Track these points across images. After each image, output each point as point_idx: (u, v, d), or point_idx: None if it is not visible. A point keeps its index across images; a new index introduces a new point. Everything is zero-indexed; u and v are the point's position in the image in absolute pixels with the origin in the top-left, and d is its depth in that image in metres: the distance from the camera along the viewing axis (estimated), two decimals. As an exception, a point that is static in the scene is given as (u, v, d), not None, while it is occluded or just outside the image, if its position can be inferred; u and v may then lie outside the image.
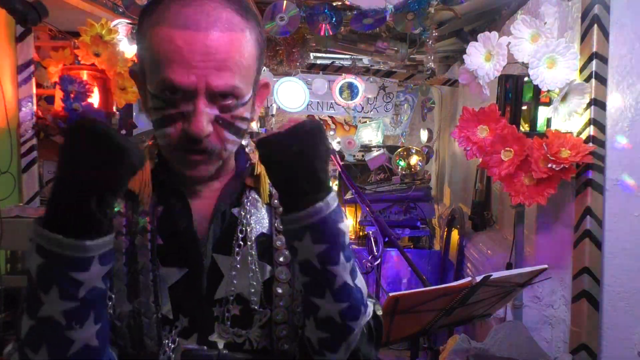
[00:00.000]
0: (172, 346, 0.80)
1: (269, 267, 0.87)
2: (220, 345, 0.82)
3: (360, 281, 0.81)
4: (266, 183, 0.92)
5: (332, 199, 0.76)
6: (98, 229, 0.67)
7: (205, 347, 0.81)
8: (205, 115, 0.76)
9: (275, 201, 0.91)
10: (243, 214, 0.88)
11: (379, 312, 0.88)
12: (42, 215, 0.67)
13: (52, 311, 0.68)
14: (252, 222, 0.88)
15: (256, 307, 0.84)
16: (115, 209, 0.82)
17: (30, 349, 0.70)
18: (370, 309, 0.85)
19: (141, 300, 0.80)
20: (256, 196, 0.91)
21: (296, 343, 0.85)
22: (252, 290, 0.84)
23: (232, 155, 0.88)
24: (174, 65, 0.74)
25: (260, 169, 0.91)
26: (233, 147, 0.83)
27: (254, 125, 4.95)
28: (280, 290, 0.85)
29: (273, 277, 0.86)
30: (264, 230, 0.89)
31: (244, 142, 0.93)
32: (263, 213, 0.91)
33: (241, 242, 0.86)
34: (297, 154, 0.73)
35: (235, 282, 0.84)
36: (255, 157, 0.92)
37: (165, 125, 0.78)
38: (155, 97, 0.78)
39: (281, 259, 0.87)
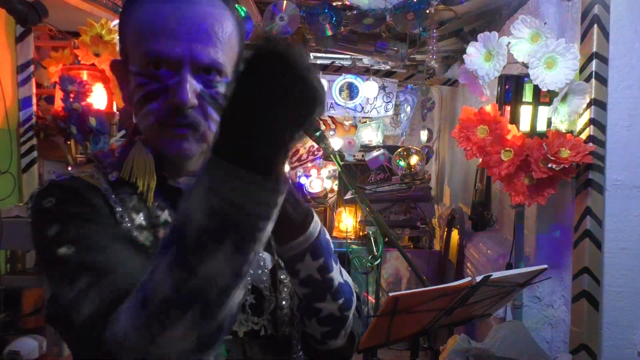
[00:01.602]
0: None
1: (270, 256, 0.89)
2: (240, 334, 0.83)
3: (344, 273, 0.87)
4: None
5: (315, 216, 0.79)
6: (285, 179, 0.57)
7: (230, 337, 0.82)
8: (191, 86, 0.75)
9: None
10: None
11: (356, 290, 0.93)
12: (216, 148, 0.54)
13: (222, 267, 0.56)
14: None
15: (267, 294, 0.86)
16: (133, 203, 0.79)
17: (177, 308, 0.57)
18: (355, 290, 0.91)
19: None
20: None
21: (297, 328, 0.88)
22: (264, 278, 0.87)
23: None
24: (159, 36, 0.75)
25: None
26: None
27: None
28: (283, 277, 0.88)
29: (276, 265, 0.88)
30: None
31: None
32: None
33: None
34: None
35: (251, 271, 0.85)
36: None
37: (149, 100, 0.77)
38: (139, 75, 0.77)
39: None
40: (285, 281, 0.88)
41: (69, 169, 2.57)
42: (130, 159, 0.82)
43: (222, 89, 0.80)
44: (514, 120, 2.04)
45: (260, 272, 0.87)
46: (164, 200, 0.82)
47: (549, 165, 1.82)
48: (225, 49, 0.79)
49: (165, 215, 0.81)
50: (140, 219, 0.79)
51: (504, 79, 2.07)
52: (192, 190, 0.56)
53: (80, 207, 0.75)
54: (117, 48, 0.78)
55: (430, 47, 2.97)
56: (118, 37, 0.82)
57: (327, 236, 0.83)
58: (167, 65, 0.76)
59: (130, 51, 0.79)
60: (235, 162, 0.53)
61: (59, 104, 2.65)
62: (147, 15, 0.77)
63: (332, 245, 0.83)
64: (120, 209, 0.77)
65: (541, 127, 2.04)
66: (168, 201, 0.83)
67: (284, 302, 0.88)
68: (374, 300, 3.75)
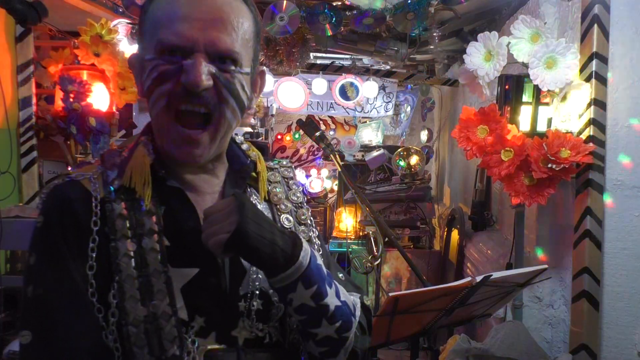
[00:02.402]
0: (195, 347, 0.79)
1: None
2: (240, 341, 0.81)
3: (343, 294, 0.85)
4: (265, 181, 0.94)
5: (304, 243, 0.79)
6: None
7: (224, 346, 0.81)
8: (205, 67, 0.75)
9: (275, 197, 0.94)
10: None
11: (367, 302, 0.92)
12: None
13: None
14: None
15: (276, 300, 0.85)
16: (121, 211, 0.80)
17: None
18: (358, 306, 0.89)
19: (156, 303, 0.77)
20: (255, 193, 0.93)
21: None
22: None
23: (224, 151, 0.89)
24: (176, 21, 0.75)
25: (260, 166, 0.94)
26: (232, 118, 0.82)
27: (253, 121, 4.95)
28: None
29: None
30: None
31: (237, 139, 0.95)
32: (263, 209, 0.91)
33: None
34: (250, 249, 0.74)
35: (260, 276, 0.84)
36: (252, 154, 0.94)
37: (163, 82, 0.77)
38: (153, 59, 0.77)
39: None
40: None
41: (69, 169, 2.56)
42: (130, 164, 0.82)
43: (239, 77, 0.80)
44: (514, 120, 2.04)
45: None
46: (159, 204, 0.82)
47: (549, 165, 1.82)
48: (241, 41, 0.79)
49: (150, 223, 0.80)
50: (125, 228, 0.79)
51: (504, 79, 2.07)
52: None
53: (58, 240, 0.77)
54: (136, 46, 0.80)
55: (434, 48, 2.97)
56: (137, 36, 0.83)
57: (319, 261, 0.82)
58: (181, 51, 0.76)
59: (148, 42, 0.79)
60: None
61: (59, 104, 2.65)
62: (165, 5, 0.78)
63: (324, 270, 0.82)
64: (101, 224, 0.78)
65: (541, 127, 2.04)
66: (164, 205, 0.82)
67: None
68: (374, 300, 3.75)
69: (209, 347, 0.79)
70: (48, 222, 0.78)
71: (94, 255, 0.77)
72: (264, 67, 0.88)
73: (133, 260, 0.78)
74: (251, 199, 0.90)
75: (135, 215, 0.80)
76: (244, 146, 0.95)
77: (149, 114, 0.83)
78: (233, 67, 0.79)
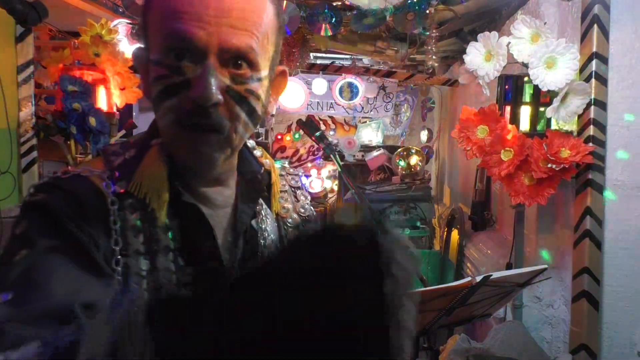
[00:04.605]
0: None
1: None
2: None
3: None
4: (278, 192, 0.87)
5: None
6: None
7: None
8: (216, 79, 0.66)
9: (282, 210, 0.87)
10: (263, 226, 0.82)
11: None
12: None
13: None
14: (270, 234, 0.82)
15: None
16: (134, 223, 0.70)
17: None
18: None
19: None
20: (266, 205, 0.85)
21: None
22: None
23: (235, 157, 0.79)
24: (183, 18, 0.65)
25: (275, 176, 0.86)
26: (244, 132, 0.73)
27: None
28: None
29: None
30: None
31: (249, 143, 0.86)
32: (273, 222, 0.85)
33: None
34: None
35: None
36: (266, 162, 0.87)
37: (169, 96, 0.67)
38: (159, 64, 0.68)
39: None
40: None
41: (69, 168, 2.56)
42: (142, 170, 0.72)
43: (252, 85, 0.70)
44: (514, 120, 2.04)
45: None
46: (173, 219, 0.72)
47: (549, 165, 1.82)
48: (260, 38, 0.69)
49: (166, 240, 0.71)
50: (138, 243, 0.69)
51: (504, 79, 2.08)
52: None
53: (62, 230, 0.64)
54: (139, 39, 0.68)
55: (430, 47, 2.97)
56: (140, 24, 0.72)
57: None
58: (190, 53, 0.66)
59: (152, 37, 0.70)
60: None
61: (59, 104, 2.65)
62: None
63: None
64: (116, 233, 0.68)
65: (541, 127, 2.04)
66: (177, 220, 0.73)
67: None
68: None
69: None
70: (54, 202, 0.65)
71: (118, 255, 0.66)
72: (285, 67, 0.78)
73: (145, 280, 0.68)
74: (262, 213, 0.83)
75: (150, 228, 0.70)
76: (257, 152, 0.87)
77: (155, 116, 0.75)
78: (249, 72, 0.69)
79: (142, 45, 0.74)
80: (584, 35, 1.90)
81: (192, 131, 0.68)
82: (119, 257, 0.67)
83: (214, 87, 0.65)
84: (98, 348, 0.40)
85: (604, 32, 1.87)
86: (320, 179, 5.64)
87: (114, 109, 2.84)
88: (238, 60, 0.67)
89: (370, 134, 5.53)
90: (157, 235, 0.70)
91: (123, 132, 2.94)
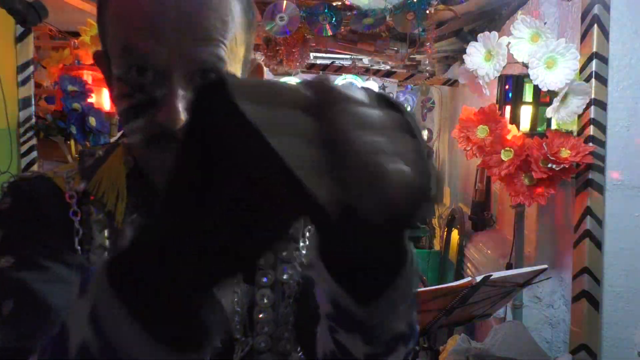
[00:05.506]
0: None
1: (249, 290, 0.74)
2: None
3: None
4: None
5: None
6: None
7: None
8: (182, 100, 0.59)
9: None
10: None
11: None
12: None
13: None
14: None
15: (238, 337, 0.69)
16: (97, 218, 0.68)
17: None
18: None
19: None
20: None
21: None
22: (237, 317, 0.69)
23: None
24: (141, 34, 0.58)
25: None
26: None
27: None
28: (262, 316, 0.71)
29: (254, 301, 0.71)
30: None
31: None
32: None
33: None
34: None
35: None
36: None
37: (134, 117, 0.62)
38: (121, 81, 0.61)
39: (264, 280, 0.72)
40: (263, 319, 0.71)
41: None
42: (103, 168, 0.69)
43: None
44: (514, 120, 2.04)
45: (234, 308, 0.70)
46: (138, 207, 0.69)
47: (549, 165, 1.82)
48: (228, 43, 0.62)
49: (131, 235, 0.67)
50: (102, 237, 0.66)
51: (504, 79, 2.08)
52: None
53: (28, 219, 0.64)
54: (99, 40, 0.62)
55: (428, 47, 2.97)
56: (96, 19, 0.65)
57: None
58: (152, 72, 0.59)
59: (110, 43, 0.62)
60: None
61: (59, 104, 2.65)
62: (125, 8, 0.60)
63: None
64: (78, 226, 0.65)
65: (541, 127, 2.04)
66: (143, 209, 0.69)
67: (262, 345, 0.71)
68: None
69: None
70: (15, 202, 0.65)
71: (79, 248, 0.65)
72: (259, 61, 0.68)
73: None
74: None
75: (113, 224, 0.67)
76: None
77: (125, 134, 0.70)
78: None
79: (101, 48, 0.66)
80: (584, 35, 1.90)
81: (160, 152, 0.63)
82: (80, 251, 0.65)
83: (180, 110, 0.59)
84: (84, 328, 0.37)
85: (604, 32, 1.87)
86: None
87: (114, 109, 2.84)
88: (206, 73, 0.60)
89: (370, 134, 5.53)
90: (123, 230, 0.67)
91: (123, 131, 2.94)
